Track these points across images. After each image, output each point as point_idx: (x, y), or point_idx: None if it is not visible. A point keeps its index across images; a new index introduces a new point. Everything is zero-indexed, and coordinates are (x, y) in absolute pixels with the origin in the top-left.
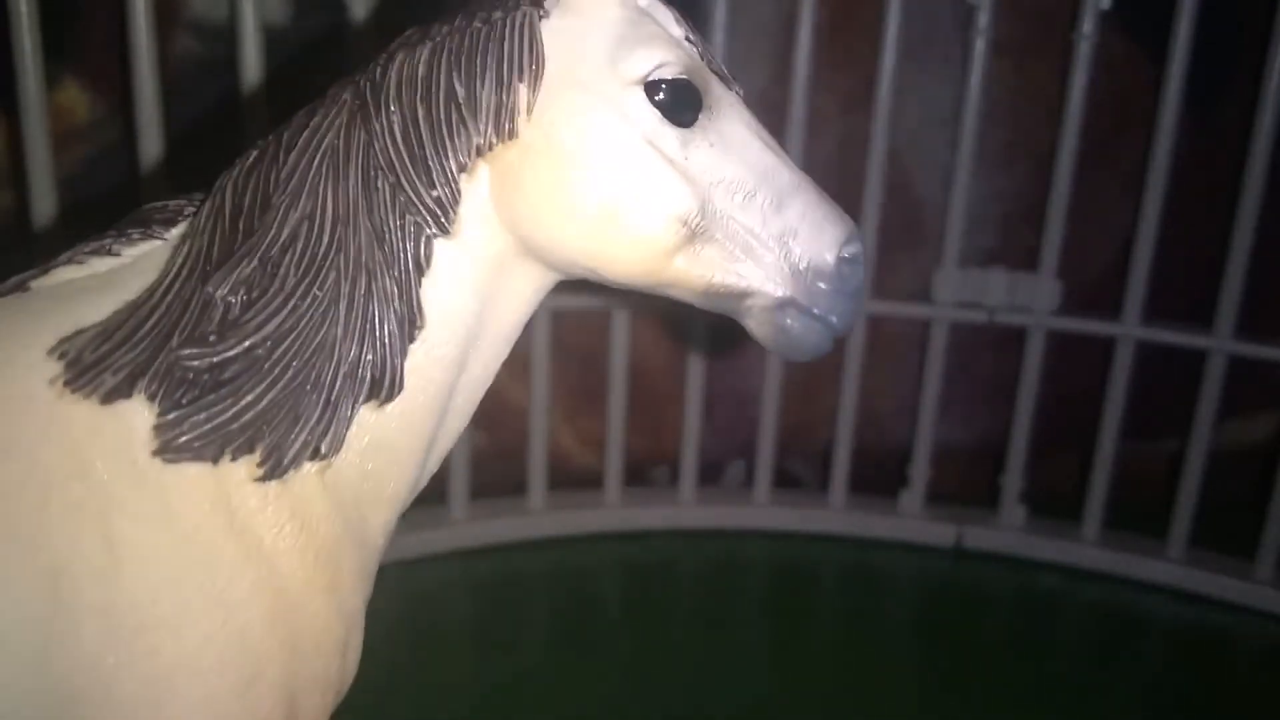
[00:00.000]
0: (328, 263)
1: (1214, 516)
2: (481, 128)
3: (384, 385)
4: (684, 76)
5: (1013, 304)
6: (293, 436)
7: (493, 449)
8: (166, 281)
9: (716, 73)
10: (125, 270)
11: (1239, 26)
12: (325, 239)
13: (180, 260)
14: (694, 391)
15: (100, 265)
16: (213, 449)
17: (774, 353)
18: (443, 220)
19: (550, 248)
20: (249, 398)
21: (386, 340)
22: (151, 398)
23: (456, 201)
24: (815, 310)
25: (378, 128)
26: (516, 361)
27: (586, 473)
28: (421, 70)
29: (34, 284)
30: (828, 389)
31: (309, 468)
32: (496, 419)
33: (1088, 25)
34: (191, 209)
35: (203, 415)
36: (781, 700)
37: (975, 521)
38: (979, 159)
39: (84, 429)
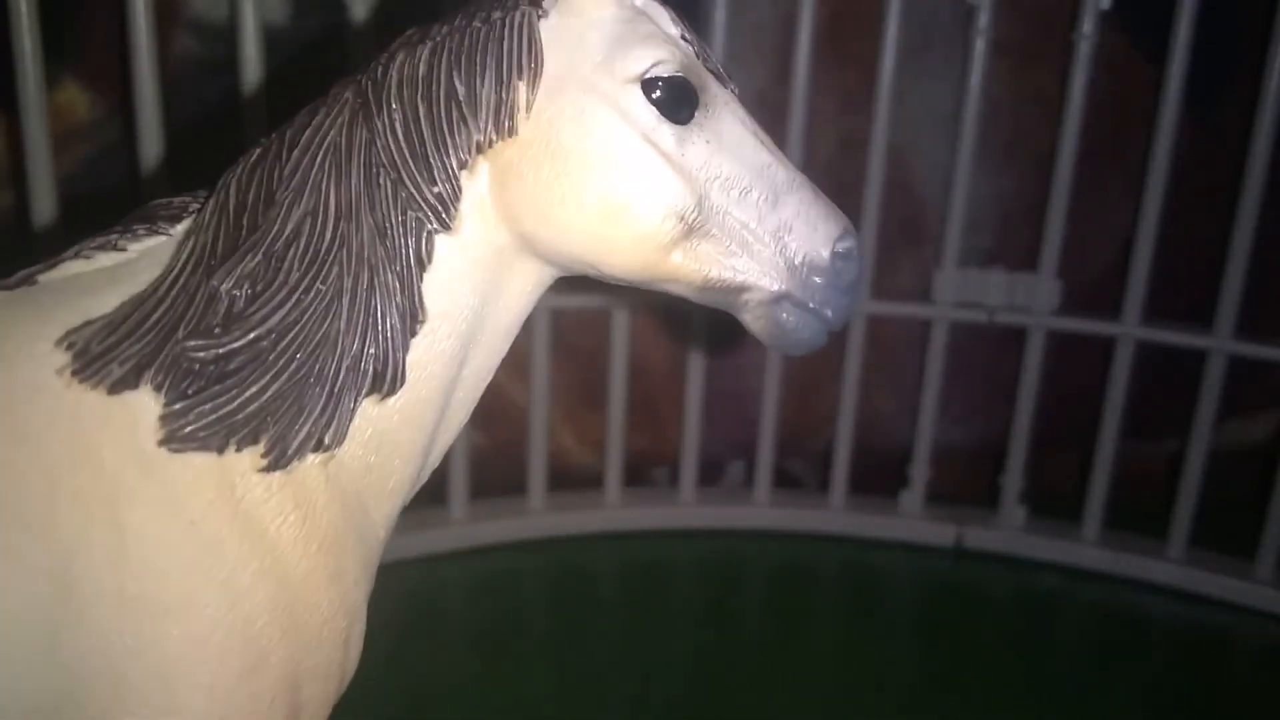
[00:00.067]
0: (331, 257)
1: (1214, 516)
2: (482, 125)
3: (386, 379)
4: (680, 74)
5: (1013, 304)
6: (296, 428)
7: (493, 448)
8: (172, 275)
9: (712, 71)
10: (131, 265)
11: (1239, 26)
12: (328, 234)
13: (185, 255)
14: (694, 391)
15: (106, 260)
16: (218, 439)
17: (770, 347)
18: (444, 216)
19: (549, 243)
20: (253, 389)
21: (388, 334)
22: (158, 388)
23: (457, 198)
24: (810, 305)
25: (379, 125)
26: (516, 361)
27: (586, 473)
28: (422, 69)
29: (41, 278)
30: (828, 389)
31: (312, 459)
32: (497, 418)
33: (1088, 25)
34: (196, 205)
35: (208, 406)
36: (781, 700)
37: (975, 521)
38: (979, 159)
39: (91, 419)
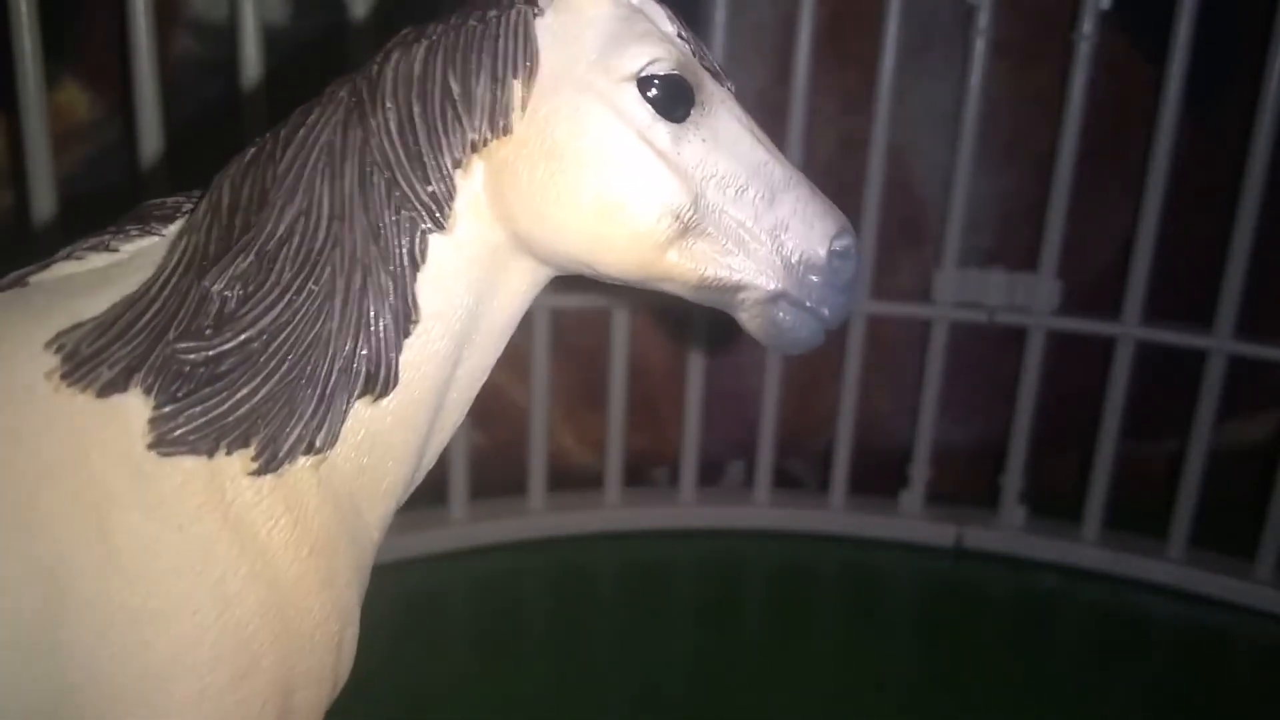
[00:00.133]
0: (323, 258)
1: (1214, 516)
2: (476, 124)
3: (379, 380)
4: (676, 72)
5: (1012, 304)
6: (288, 430)
7: (493, 448)
8: (164, 276)
9: (708, 69)
10: (123, 266)
11: (1239, 26)
12: (321, 234)
13: (177, 256)
14: (694, 391)
15: (99, 261)
16: (208, 442)
17: (767, 346)
18: (438, 215)
19: (544, 242)
20: (244, 391)
21: (381, 335)
22: (148, 391)
23: (452, 197)
24: (807, 303)
25: (374, 125)
26: (516, 361)
27: (586, 473)
28: (417, 68)
29: (33, 279)
30: (828, 389)
31: (304, 462)
32: (497, 418)
33: (1088, 25)
34: (190, 206)
35: (198, 408)
36: (781, 700)
37: (975, 521)
38: (979, 159)
39: (80, 421)
